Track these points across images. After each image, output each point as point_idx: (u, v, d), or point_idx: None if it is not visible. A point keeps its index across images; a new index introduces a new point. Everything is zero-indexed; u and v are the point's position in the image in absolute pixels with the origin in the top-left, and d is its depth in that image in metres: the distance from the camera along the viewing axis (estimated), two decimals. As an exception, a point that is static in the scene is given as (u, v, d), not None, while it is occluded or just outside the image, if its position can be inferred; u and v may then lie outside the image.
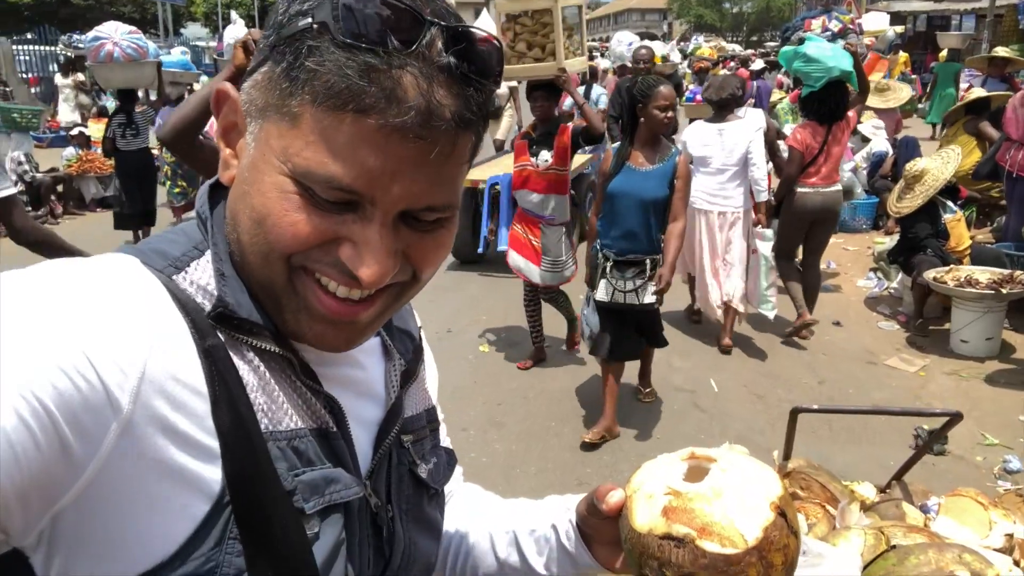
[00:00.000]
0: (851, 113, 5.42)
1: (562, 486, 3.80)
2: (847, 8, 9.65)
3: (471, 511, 0.97)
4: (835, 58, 5.17)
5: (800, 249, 5.71)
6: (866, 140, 8.05)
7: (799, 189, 5.39)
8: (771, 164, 5.84)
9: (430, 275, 0.70)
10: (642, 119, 3.97)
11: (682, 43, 27.67)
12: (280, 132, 0.61)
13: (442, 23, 0.59)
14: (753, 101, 10.19)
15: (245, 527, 0.61)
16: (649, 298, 3.99)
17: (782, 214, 5.59)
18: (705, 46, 22.27)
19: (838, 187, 5.52)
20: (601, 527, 0.81)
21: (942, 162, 5.76)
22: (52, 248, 3.09)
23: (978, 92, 7.44)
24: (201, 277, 0.66)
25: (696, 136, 5.25)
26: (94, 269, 0.60)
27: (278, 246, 0.62)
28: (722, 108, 5.19)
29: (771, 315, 5.49)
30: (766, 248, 5.34)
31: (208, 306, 0.65)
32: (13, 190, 3.13)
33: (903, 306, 6.11)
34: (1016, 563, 1.51)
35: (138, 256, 0.65)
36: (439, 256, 0.68)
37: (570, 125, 4.74)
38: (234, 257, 0.67)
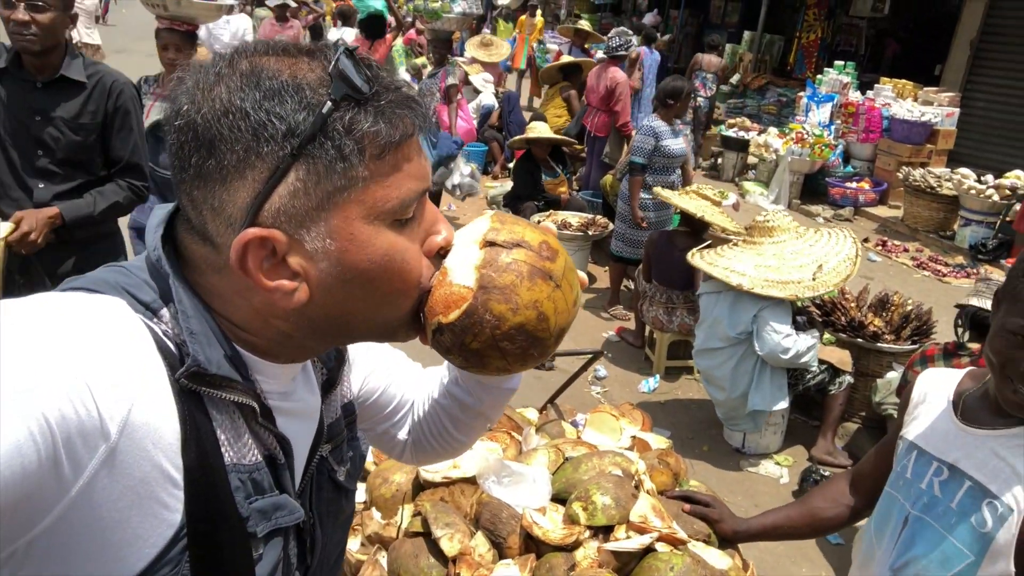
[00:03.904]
0: (388, 35, 8.38)
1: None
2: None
3: (425, 391, 1.10)
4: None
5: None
6: (478, 92, 8.91)
7: None
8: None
9: None
10: None
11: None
12: (355, 202, 0.68)
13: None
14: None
15: (196, 554, 0.67)
16: None
17: None
18: None
19: None
20: None
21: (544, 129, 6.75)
22: None
23: (568, 58, 8.73)
24: (171, 323, 0.70)
25: None
26: (94, 312, 0.64)
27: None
28: None
29: None
30: None
31: (184, 348, 0.68)
32: None
33: (513, 244, 7.07)
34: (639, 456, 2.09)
35: (124, 299, 0.67)
36: None
37: None
38: (203, 298, 0.71)
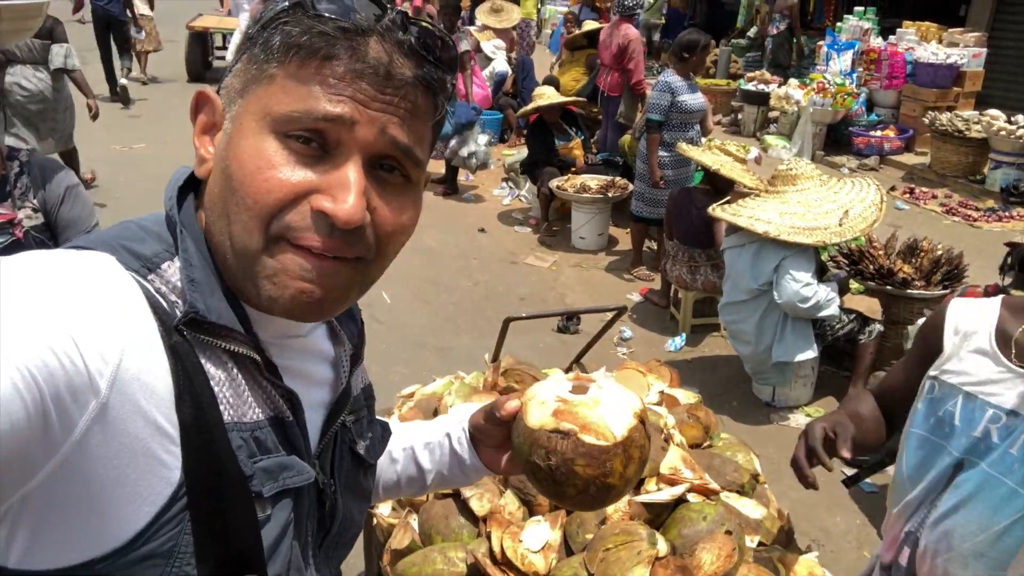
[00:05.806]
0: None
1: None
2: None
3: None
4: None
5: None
6: (490, 59, 8.81)
7: None
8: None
9: (393, 251, 0.74)
10: None
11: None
12: (258, 96, 0.69)
13: (400, 10, 0.70)
14: None
15: (196, 511, 0.65)
16: None
17: None
18: None
19: None
20: (492, 432, 1.01)
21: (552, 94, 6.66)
22: None
23: (593, 24, 8.52)
24: (172, 277, 0.69)
25: None
26: (79, 266, 0.63)
27: (255, 207, 0.66)
28: None
29: None
30: None
31: (179, 306, 0.67)
32: None
33: (532, 211, 7.03)
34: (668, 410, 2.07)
35: (114, 255, 0.66)
36: (401, 224, 0.73)
37: None
38: (209, 247, 0.71)
